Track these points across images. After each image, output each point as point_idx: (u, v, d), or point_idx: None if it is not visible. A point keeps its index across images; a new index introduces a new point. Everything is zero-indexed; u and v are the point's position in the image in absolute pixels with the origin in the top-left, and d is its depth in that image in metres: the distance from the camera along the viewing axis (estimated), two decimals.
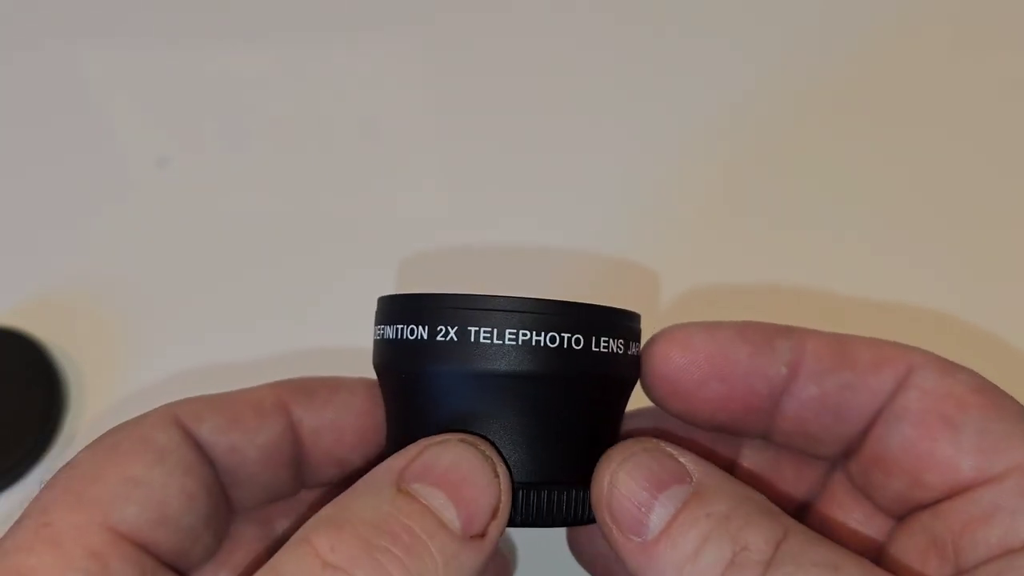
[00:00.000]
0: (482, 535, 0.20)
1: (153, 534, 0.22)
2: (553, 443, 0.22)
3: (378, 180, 0.43)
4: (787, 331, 0.24)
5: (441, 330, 0.22)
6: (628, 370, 0.24)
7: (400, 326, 0.23)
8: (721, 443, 0.27)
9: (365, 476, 0.21)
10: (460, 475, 0.21)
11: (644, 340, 0.25)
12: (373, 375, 0.25)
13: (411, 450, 0.21)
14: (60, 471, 0.22)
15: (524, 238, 0.40)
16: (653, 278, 0.39)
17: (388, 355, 0.23)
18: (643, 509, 0.21)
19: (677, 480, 0.21)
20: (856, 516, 0.25)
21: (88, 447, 0.23)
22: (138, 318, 0.39)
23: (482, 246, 0.40)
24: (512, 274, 0.39)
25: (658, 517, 0.21)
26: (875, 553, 0.24)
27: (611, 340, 0.23)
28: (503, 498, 0.21)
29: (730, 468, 0.27)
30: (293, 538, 0.20)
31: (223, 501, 0.24)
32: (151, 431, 0.23)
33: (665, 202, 0.41)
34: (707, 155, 0.41)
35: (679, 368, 0.23)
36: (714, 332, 0.23)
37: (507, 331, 0.21)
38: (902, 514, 0.23)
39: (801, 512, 0.26)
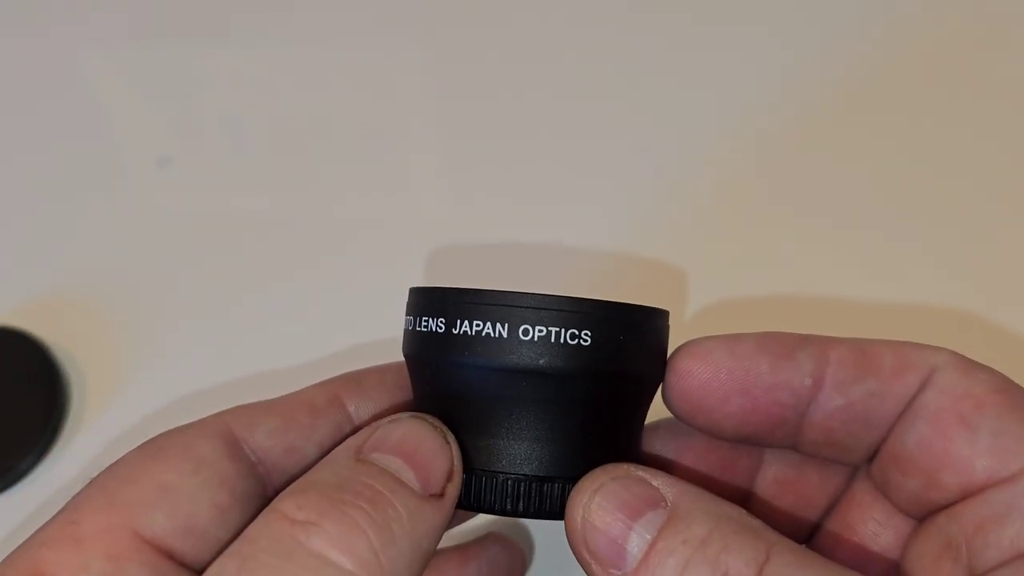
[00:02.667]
0: (440, 495, 0.21)
1: (178, 543, 0.21)
2: (565, 438, 0.22)
3: (381, 180, 0.43)
4: (808, 341, 0.23)
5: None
6: (648, 368, 0.23)
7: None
8: (744, 450, 0.26)
9: (329, 454, 0.22)
10: (413, 443, 0.22)
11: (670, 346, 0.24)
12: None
13: (366, 430, 0.23)
14: (106, 469, 0.22)
15: (538, 236, 0.40)
16: (675, 276, 0.39)
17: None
18: (619, 540, 0.21)
19: (651, 505, 0.21)
20: (877, 516, 0.24)
21: (137, 447, 0.23)
22: (139, 317, 0.39)
23: (491, 245, 0.40)
24: (524, 272, 0.39)
25: (635, 547, 0.20)
26: (895, 556, 0.24)
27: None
28: (456, 462, 0.22)
29: (753, 475, 0.26)
30: (262, 512, 0.21)
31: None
32: (195, 439, 0.23)
33: (684, 200, 0.41)
34: (730, 153, 0.41)
35: (700, 384, 0.23)
36: (734, 346, 0.23)
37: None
38: (920, 515, 0.23)
39: (824, 514, 0.26)
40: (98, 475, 0.22)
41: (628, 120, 0.43)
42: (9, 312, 0.38)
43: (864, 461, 0.24)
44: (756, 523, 0.21)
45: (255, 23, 0.46)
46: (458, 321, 0.22)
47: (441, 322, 0.22)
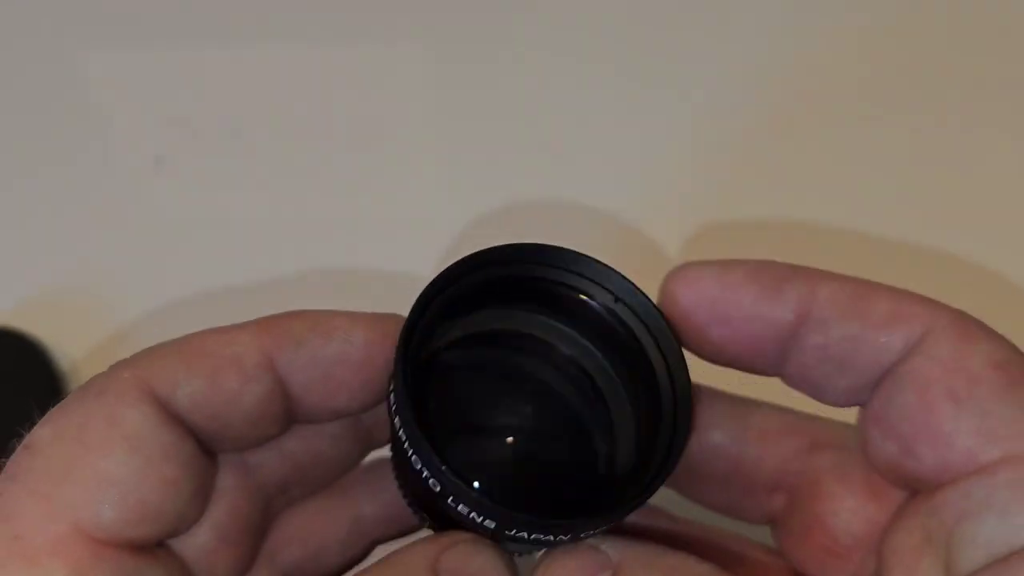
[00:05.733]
0: None
1: (134, 532, 0.20)
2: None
3: (380, 180, 0.42)
4: (801, 274, 0.22)
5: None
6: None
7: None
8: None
9: (396, 555, 0.21)
10: None
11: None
12: (373, 308, 0.23)
13: (444, 540, 0.21)
14: (20, 458, 0.20)
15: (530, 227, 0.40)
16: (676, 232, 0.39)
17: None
18: None
19: (598, 570, 0.21)
20: (849, 506, 0.23)
21: (50, 425, 0.20)
22: (139, 318, 0.39)
23: (484, 239, 0.40)
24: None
25: None
26: (869, 546, 0.23)
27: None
28: None
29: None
30: None
31: (207, 466, 0.22)
32: (118, 408, 0.20)
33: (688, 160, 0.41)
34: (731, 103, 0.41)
35: (684, 309, 0.22)
36: (724, 274, 0.22)
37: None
38: (900, 484, 0.22)
39: (792, 505, 0.25)
40: (15, 470, 0.20)
41: (622, 117, 0.43)
42: (8, 312, 0.38)
43: (840, 405, 0.23)
44: (703, 568, 0.21)
45: (254, 23, 0.46)
46: (451, 497, 0.21)
47: (435, 483, 0.21)
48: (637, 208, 0.40)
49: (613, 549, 0.21)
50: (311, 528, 0.26)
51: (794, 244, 0.39)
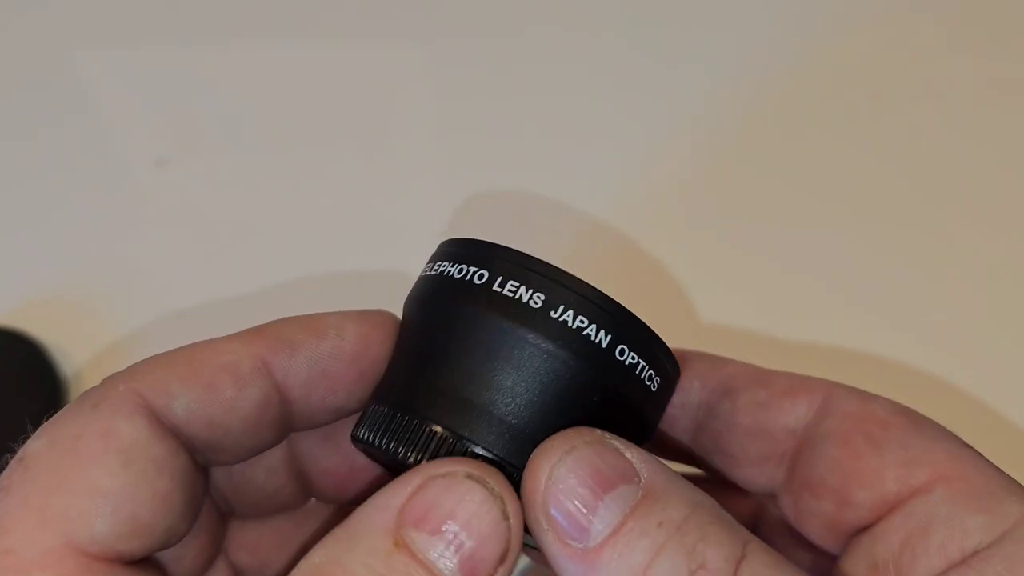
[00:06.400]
0: None
1: (125, 545, 0.20)
2: (536, 432, 0.20)
3: (381, 180, 0.42)
4: (710, 357, 0.25)
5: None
6: (655, 412, 0.23)
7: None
8: None
9: (359, 512, 0.19)
10: (464, 520, 0.19)
11: None
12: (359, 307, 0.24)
13: (412, 480, 0.19)
14: (14, 471, 0.20)
15: (522, 231, 0.40)
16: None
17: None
18: (586, 511, 0.19)
19: (624, 479, 0.19)
20: (799, 557, 0.24)
21: (44, 438, 0.20)
22: (138, 318, 0.39)
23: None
24: None
25: (603, 521, 0.19)
26: None
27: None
28: (513, 541, 0.19)
29: None
30: None
31: (200, 483, 0.22)
32: (113, 421, 0.20)
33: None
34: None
35: None
36: None
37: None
38: (837, 544, 0.23)
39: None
40: (8, 482, 0.20)
41: (619, 113, 0.43)
42: (8, 312, 0.38)
43: (763, 486, 0.24)
44: (730, 517, 0.20)
45: (256, 23, 0.46)
46: (580, 318, 0.20)
47: (483, 274, 0.21)
48: (631, 212, 0.40)
49: (640, 463, 0.19)
50: (261, 540, 0.26)
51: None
